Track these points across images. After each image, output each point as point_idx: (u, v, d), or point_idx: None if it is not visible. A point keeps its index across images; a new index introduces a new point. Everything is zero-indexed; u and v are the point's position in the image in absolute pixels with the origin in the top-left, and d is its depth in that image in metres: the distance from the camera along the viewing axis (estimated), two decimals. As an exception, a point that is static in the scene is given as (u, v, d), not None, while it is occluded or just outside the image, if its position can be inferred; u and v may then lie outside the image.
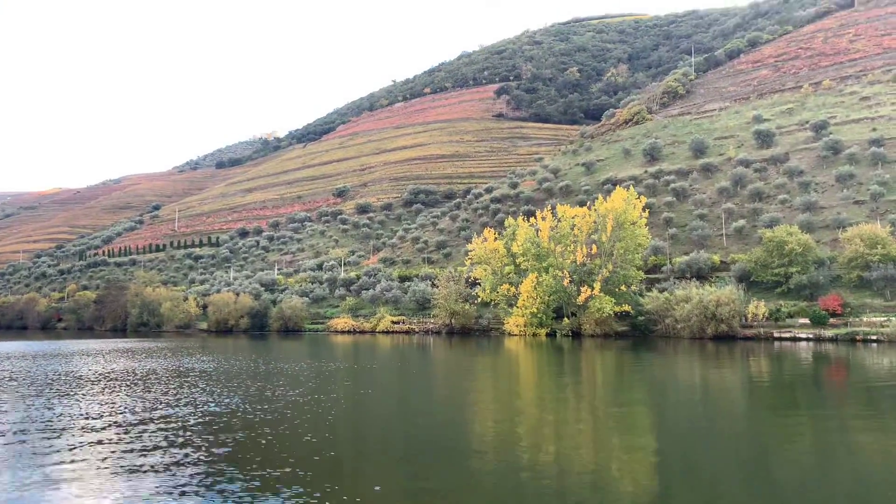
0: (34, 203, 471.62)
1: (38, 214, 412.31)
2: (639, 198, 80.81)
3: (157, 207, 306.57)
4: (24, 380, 41.22)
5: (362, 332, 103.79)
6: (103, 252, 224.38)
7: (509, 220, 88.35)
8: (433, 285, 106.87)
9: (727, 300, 67.77)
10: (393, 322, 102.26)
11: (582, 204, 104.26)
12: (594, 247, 77.89)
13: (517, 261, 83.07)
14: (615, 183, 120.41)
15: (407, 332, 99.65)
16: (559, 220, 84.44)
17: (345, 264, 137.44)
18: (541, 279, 78.54)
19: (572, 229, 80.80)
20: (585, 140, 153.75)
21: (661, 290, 77.85)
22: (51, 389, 36.07)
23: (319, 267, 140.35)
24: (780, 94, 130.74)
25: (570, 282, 77.84)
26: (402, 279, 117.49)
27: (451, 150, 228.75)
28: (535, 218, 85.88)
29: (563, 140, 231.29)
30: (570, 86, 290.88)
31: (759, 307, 68.90)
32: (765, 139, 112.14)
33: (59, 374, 44.17)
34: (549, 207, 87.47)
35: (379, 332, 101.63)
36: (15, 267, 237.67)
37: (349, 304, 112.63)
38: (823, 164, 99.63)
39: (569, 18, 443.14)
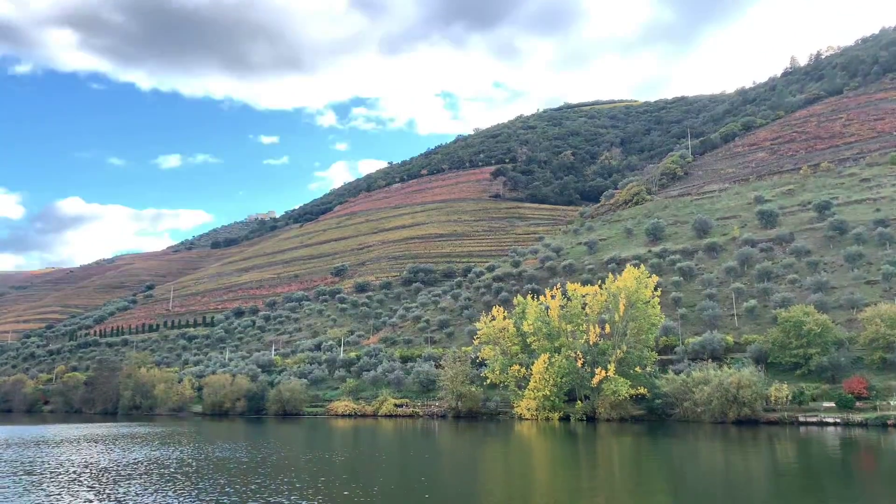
0: (25, 283, 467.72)
1: (28, 294, 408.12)
2: (650, 276, 79.45)
3: (151, 287, 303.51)
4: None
5: (364, 415, 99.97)
6: (95, 332, 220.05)
7: (518, 299, 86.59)
8: (437, 366, 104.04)
9: (748, 382, 65.43)
10: (396, 405, 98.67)
11: (587, 283, 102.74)
12: (607, 326, 75.90)
13: (528, 340, 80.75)
14: (619, 262, 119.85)
15: (411, 416, 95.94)
16: (569, 299, 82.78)
17: (344, 344, 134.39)
18: (553, 360, 76.11)
19: (583, 308, 79.00)
20: (586, 220, 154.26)
21: (677, 372, 75.51)
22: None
23: (318, 347, 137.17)
24: (779, 175, 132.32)
25: (584, 363, 75.37)
26: (405, 360, 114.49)
27: (450, 230, 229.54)
28: (545, 296, 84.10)
29: (560, 220, 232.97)
30: (564, 168, 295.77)
31: (781, 390, 66.57)
32: (768, 219, 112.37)
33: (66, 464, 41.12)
34: (559, 286, 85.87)
35: (381, 416, 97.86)
36: (2, 347, 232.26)
37: (349, 386, 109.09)
38: (830, 244, 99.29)
39: (560, 104, 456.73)
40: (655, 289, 78.83)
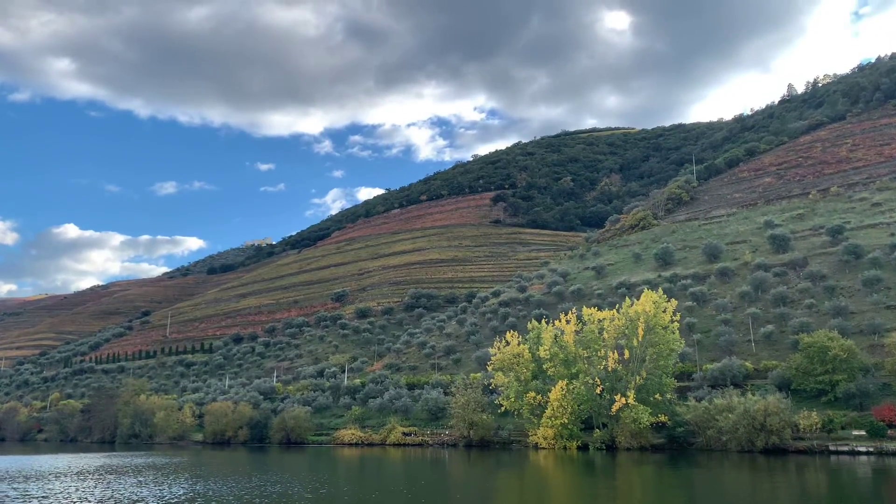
0: (19, 309, 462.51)
1: (22, 320, 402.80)
2: (668, 301, 77.60)
3: (146, 313, 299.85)
4: None
5: (371, 444, 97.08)
6: (90, 359, 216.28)
7: (533, 323, 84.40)
8: (446, 393, 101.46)
9: (775, 409, 63.28)
10: (404, 434, 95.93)
11: (597, 308, 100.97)
12: (626, 352, 73.77)
13: (544, 366, 78.48)
14: (629, 287, 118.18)
15: (420, 445, 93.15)
16: (584, 324, 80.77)
17: (348, 371, 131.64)
18: (571, 387, 73.88)
19: (600, 333, 76.94)
20: (592, 245, 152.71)
21: (697, 399, 73.37)
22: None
23: (320, 374, 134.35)
24: (787, 200, 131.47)
25: (603, 390, 73.13)
26: (411, 386, 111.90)
27: (451, 255, 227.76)
28: (559, 321, 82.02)
29: (561, 245, 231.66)
30: (564, 194, 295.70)
31: (810, 417, 64.35)
32: (780, 244, 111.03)
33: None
34: (574, 310, 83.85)
35: (389, 445, 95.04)
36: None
37: (355, 414, 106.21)
38: (846, 269, 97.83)
39: (558, 132, 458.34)
40: (672, 313, 76.88)
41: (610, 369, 73.82)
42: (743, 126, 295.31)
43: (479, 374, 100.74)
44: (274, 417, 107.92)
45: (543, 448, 76.32)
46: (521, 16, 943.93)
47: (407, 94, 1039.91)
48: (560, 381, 74.53)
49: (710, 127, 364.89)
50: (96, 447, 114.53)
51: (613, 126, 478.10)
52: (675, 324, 76.02)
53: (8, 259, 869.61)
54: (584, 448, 75.25)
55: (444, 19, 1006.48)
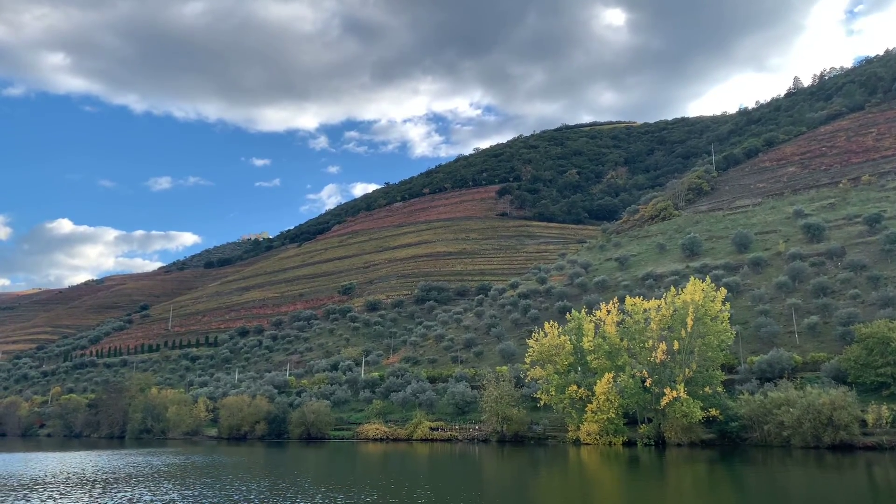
0: (13, 304, 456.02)
1: (17, 315, 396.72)
2: (717, 290, 74.00)
3: (145, 307, 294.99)
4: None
5: (396, 439, 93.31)
6: (91, 353, 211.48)
7: (574, 314, 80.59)
8: (473, 387, 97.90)
9: (842, 404, 59.80)
10: (431, 428, 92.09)
11: (622, 299, 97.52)
12: (675, 343, 70.13)
13: (588, 358, 74.80)
14: (656, 278, 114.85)
15: (448, 440, 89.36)
16: (627, 314, 77.13)
17: (364, 364, 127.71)
18: (619, 380, 70.23)
19: (646, 324, 73.29)
20: (611, 236, 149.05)
21: (752, 393, 69.74)
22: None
23: (334, 367, 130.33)
24: (815, 189, 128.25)
25: (652, 383, 69.49)
26: (432, 380, 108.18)
27: (458, 248, 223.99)
28: (601, 311, 78.33)
29: (570, 238, 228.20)
30: (570, 187, 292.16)
31: (879, 411, 60.89)
32: (815, 233, 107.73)
33: None
34: (615, 300, 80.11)
35: (416, 440, 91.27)
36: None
37: (377, 408, 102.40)
38: (888, 258, 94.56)
39: (558, 126, 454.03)
40: (722, 303, 73.28)
41: (658, 361, 70.16)
42: (749, 119, 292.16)
43: (505, 368, 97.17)
44: (292, 411, 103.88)
45: (586, 444, 72.65)
46: (517, 12, 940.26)
47: (403, 90, 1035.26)
48: (606, 374, 70.86)
49: (715, 120, 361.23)
50: (105, 443, 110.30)
51: (614, 120, 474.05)
52: (726, 314, 72.44)
53: (0, 254, 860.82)
54: (628, 444, 71.65)
55: (441, 15, 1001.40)
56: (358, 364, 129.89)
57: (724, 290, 74.49)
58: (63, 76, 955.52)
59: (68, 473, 53.45)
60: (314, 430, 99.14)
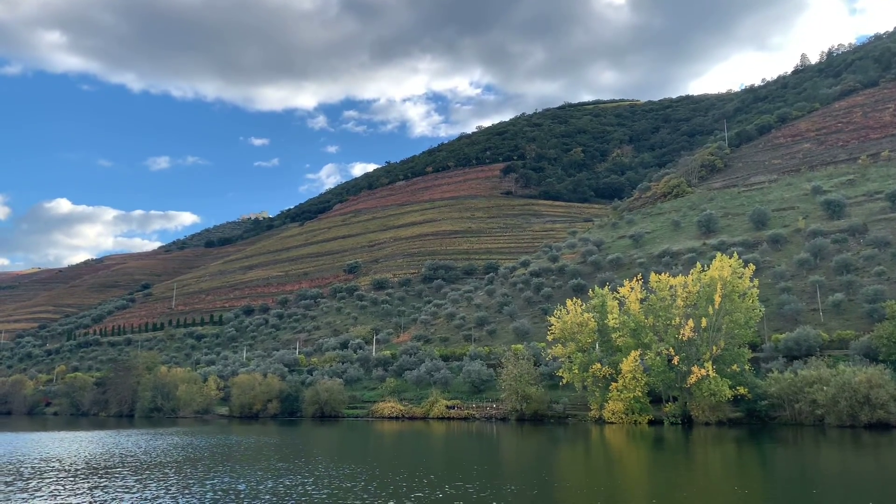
0: (13, 283, 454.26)
1: (17, 294, 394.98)
2: (745, 266, 72.29)
3: (146, 286, 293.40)
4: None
5: (412, 417, 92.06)
6: (94, 331, 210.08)
7: (597, 290, 78.85)
8: (489, 365, 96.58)
9: (880, 381, 58.33)
10: (447, 407, 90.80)
11: (640, 277, 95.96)
12: (703, 320, 68.46)
13: (613, 336, 73.25)
14: (672, 255, 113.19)
15: (465, 419, 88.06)
16: (651, 291, 75.48)
17: (375, 342, 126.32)
18: (645, 357, 68.73)
19: (673, 300, 71.62)
20: (624, 213, 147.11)
21: (780, 371, 68.28)
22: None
23: (344, 345, 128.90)
24: (833, 165, 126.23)
25: (679, 361, 67.97)
26: (445, 358, 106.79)
27: (464, 227, 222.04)
28: (624, 288, 76.61)
29: (576, 217, 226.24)
30: (575, 165, 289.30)
31: (917, 390, 59.39)
32: (835, 210, 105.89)
33: None
34: (639, 276, 78.43)
35: (432, 419, 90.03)
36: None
37: (390, 387, 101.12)
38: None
39: (561, 104, 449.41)
40: (750, 279, 71.60)
41: (685, 338, 68.59)
42: (756, 96, 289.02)
43: (520, 346, 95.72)
44: (304, 390, 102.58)
45: (611, 423, 71.33)
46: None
47: (402, 69, 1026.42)
48: (633, 352, 69.35)
49: (720, 98, 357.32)
50: (114, 421, 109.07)
51: (617, 99, 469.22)
52: (755, 290, 70.78)
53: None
54: (654, 423, 70.33)
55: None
56: (368, 342, 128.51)
57: (752, 267, 72.90)
58: (60, 54, 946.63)
59: (126, 454, 50.54)
60: (328, 409, 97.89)
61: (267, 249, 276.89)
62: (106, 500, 29.32)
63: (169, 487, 33.06)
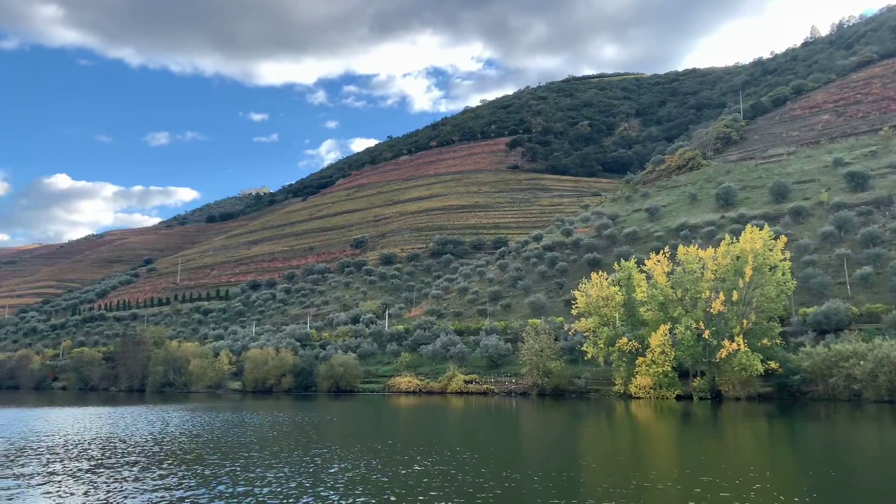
0: (13, 258, 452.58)
1: (19, 269, 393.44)
2: (777, 238, 70.46)
3: (149, 261, 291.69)
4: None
5: (430, 392, 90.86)
6: (99, 306, 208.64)
7: (623, 263, 76.94)
8: (506, 340, 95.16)
9: (920, 355, 56.78)
10: (465, 381, 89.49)
11: (656, 251, 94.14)
12: (734, 293, 66.76)
13: (640, 310, 71.59)
14: (691, 228, 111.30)
15: (484, 394, 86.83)
16: (678, 264, 73.73)
17: (387, 317, 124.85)
18: (675, 331, 67.13)
19: (702, 273, 69.86)
20: (637, 186, 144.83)
21: (812, 345, 66.77)
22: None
23: (355, 320, 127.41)
24: (854, 137, 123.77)
25: (710, 335, 66.34)
26: (459, 333, 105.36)
27: (471, 201, 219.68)
28: (650, 261, 74.79)
29: (584, 191, 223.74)
30: (582, 139, 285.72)
31: (957, 363, 57.87)
32: (858, 182, 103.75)
33: None
34: (666, 248, 76.60)
35: (450, 394, 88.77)
36: (0, 322, 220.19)
37: (406, 361, 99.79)
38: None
39: (565, 77, 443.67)
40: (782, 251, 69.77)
41: (716, 312, 66.94)
42: (764, 69, 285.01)
43: (537, 321, 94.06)
44: (318, 364, 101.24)
45: (637, 398, 69.95)
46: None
47: (402, 43, 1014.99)
48: (662, 326, 67.75)
49: (727, 71, 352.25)
50: (124, 396, 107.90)
51: (622, 72, 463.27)
52: (787, 263, 69.01)
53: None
54: (681, 398, 68.93)
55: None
56: (378, 317, 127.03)
57: (784, 238, 71.05)
58: (57, 28, 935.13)
59: (191, 434, 45.08)
60: (343, 384, 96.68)
61: (270, 224, 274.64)
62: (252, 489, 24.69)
63: (284, 470, 28.64)
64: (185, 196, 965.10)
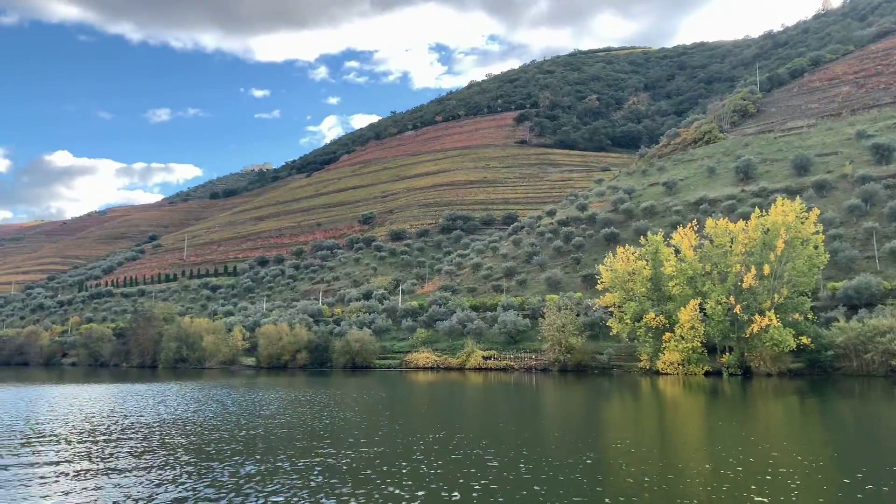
0: (17, 235, 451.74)
1: (23, 246, 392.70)
2: (809, 210, 68.64)
3: (154, 237, 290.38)
4: None
5: (448, 368, 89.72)
6: (106, 283, 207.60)
7: (650, 237, 75.08)
8: (524, 316, 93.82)
9: (961, 331, 55.31)
10: (484, 357, 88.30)
11: (674, 225, 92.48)
12: (766, 268, 65.08)
13: (669, 284, 69.96)
14: (711, 202, 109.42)
15: (504, 370, 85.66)
16: (706, 238, 72.04)
17: (400, 293, 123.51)
18: (706, 306, 65.61)
19: (731, 246, 68.18)
20: (653, 160, 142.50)
21: (846, 320, 65.31)
22: None
23: (367, 296, 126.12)
24: (877, 109, 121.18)
25: (741, 310, 64.80)
26: (475, 308, 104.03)
27: (480, 177, 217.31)
28: (677, 234, 73.11)
29: (593, 166, 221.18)
30: (590, 113, 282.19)
31: None
32: (883, 154, 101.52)
33: None
34: (695, 223, 74.73)
35: (469, 369, 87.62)
36: (6, 299, 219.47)
37: (422, 337, 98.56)
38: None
39: (571, 51, 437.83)
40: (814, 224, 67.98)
41: (746, 286, 65.36)
42: (775, 42, 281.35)
43: (555, 296, 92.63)
44: (334, 340, 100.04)
45: (665, 374, 68.62)
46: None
47: (404, 17, 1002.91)
48: (692, 301, 66.22)
49: (737, 45, 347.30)
50: (136, 372, 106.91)
51: (628, 46, 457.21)
52: (820, 236, 67.29)
53: (0, 186, 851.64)
54: (710, 374, 67.56)
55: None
56: (391, 293, 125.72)
57: (816, 211, 69.19)
58: (56, 3, 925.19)
59: (248, 415, 41.81)
60: (359, 360, 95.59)
61: (276, 200, 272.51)
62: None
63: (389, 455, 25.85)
64: (186, 173, 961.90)
